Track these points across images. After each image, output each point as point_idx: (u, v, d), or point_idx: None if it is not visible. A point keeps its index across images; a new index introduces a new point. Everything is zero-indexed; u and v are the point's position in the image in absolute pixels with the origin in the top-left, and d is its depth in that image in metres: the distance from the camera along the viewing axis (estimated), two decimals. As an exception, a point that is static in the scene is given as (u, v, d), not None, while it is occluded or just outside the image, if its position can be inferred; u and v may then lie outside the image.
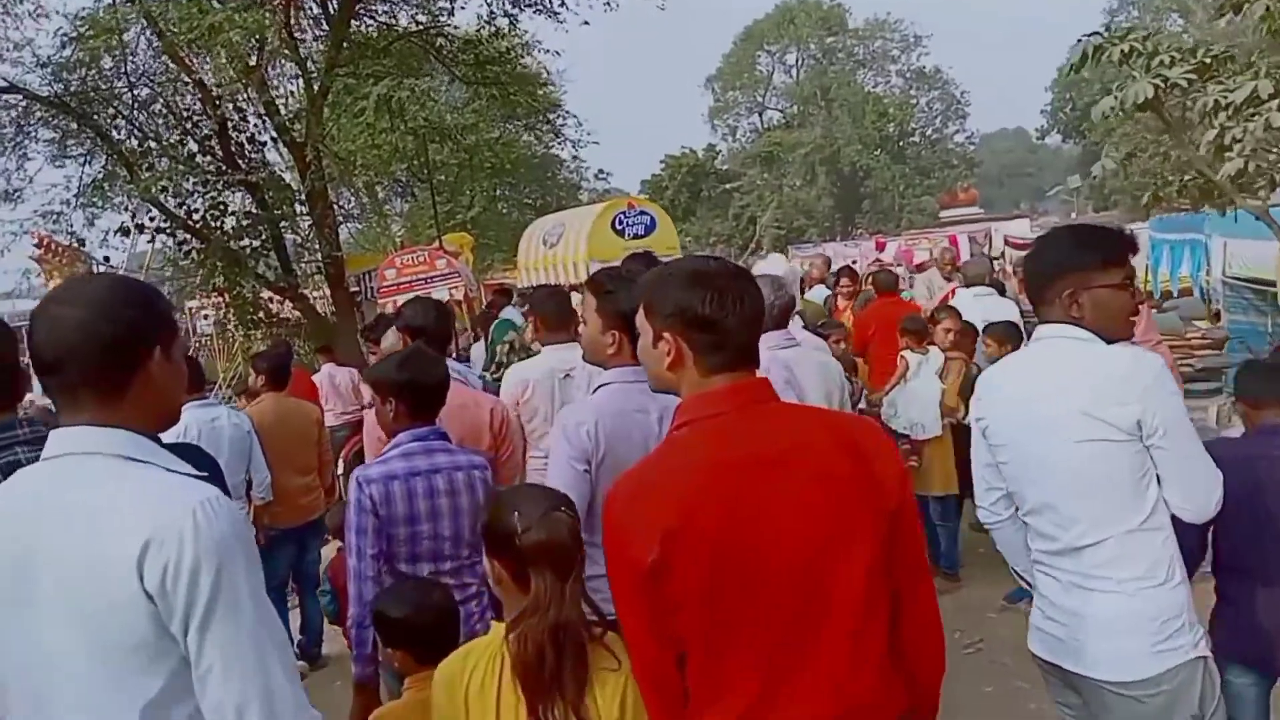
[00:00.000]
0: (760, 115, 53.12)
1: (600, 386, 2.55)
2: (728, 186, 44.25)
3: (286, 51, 9.31)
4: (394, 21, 11.92)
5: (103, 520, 1.26)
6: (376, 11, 11.70)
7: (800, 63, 51.85)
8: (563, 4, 11.75)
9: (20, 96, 10.27)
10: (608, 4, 12.22)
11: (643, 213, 11.43)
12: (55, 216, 10.84)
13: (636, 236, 10.94)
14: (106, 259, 13.69)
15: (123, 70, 10.25)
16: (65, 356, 1.32)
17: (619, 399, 2.47)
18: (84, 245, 11.73)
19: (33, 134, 10.53)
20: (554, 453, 2.50)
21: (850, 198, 46.56)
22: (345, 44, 10.02)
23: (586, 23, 12.05)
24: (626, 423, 2.44)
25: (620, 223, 11.15)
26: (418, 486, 2.66)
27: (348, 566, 2.66)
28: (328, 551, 4.92)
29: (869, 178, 45.79)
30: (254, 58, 9.85)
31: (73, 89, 10.39)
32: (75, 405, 1.34)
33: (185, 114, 11.10)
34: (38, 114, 10.50)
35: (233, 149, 10.93)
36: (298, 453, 5.28)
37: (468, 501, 2.71)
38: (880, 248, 20.83)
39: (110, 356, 1.34)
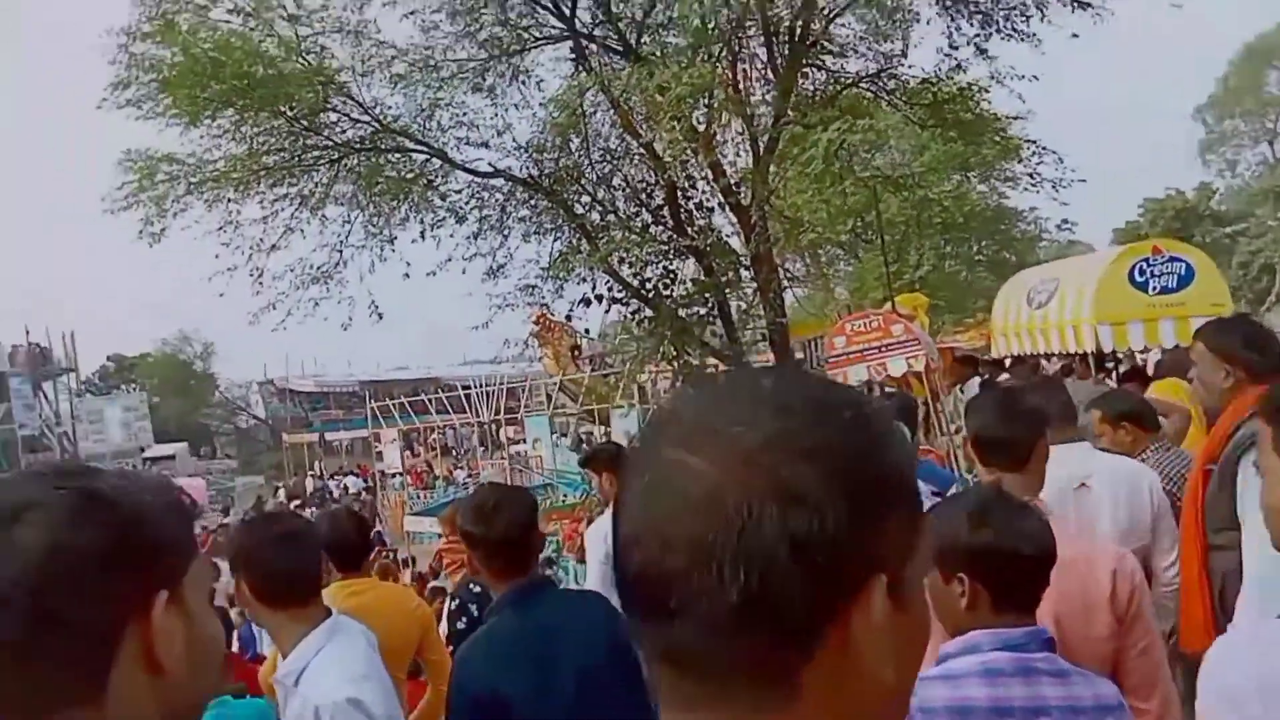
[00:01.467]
0: (1271, 144, 44.08)
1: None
2: (1229, 230, 36.96)
3: (731, 106, 8.95)
4: (843, 70, 11.19)
5: None
6: (824, 62, 11.06)
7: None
8: (1043, 19, 9.98)
9: (504, 180, 11.30)
10: (1098, 14, 10.20)
11: (1174, 259, 8.60)
12: (530, 290, 11.67)
13: (1166, 291, 8.25)
14: (587, 331, 14.79)
15: (585, 146, 10.79)
16: None
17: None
18: (569, 318, 12.56)
19: (512, 213, 11.51)
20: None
21: None
22: (793, 94, 9.46)
23: (1075, 35, 10.13)
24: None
25: (1142, 273, 8.39)
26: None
27: None
28: None
29: None
30: (701, 120, 9.72)
31: (545, 170, 11.18)
32: None
33: (640, 185, 11.42)
34: (518, 195, 11.47)
35: (682, 216, 10.95)
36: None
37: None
38: None
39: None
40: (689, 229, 10.67)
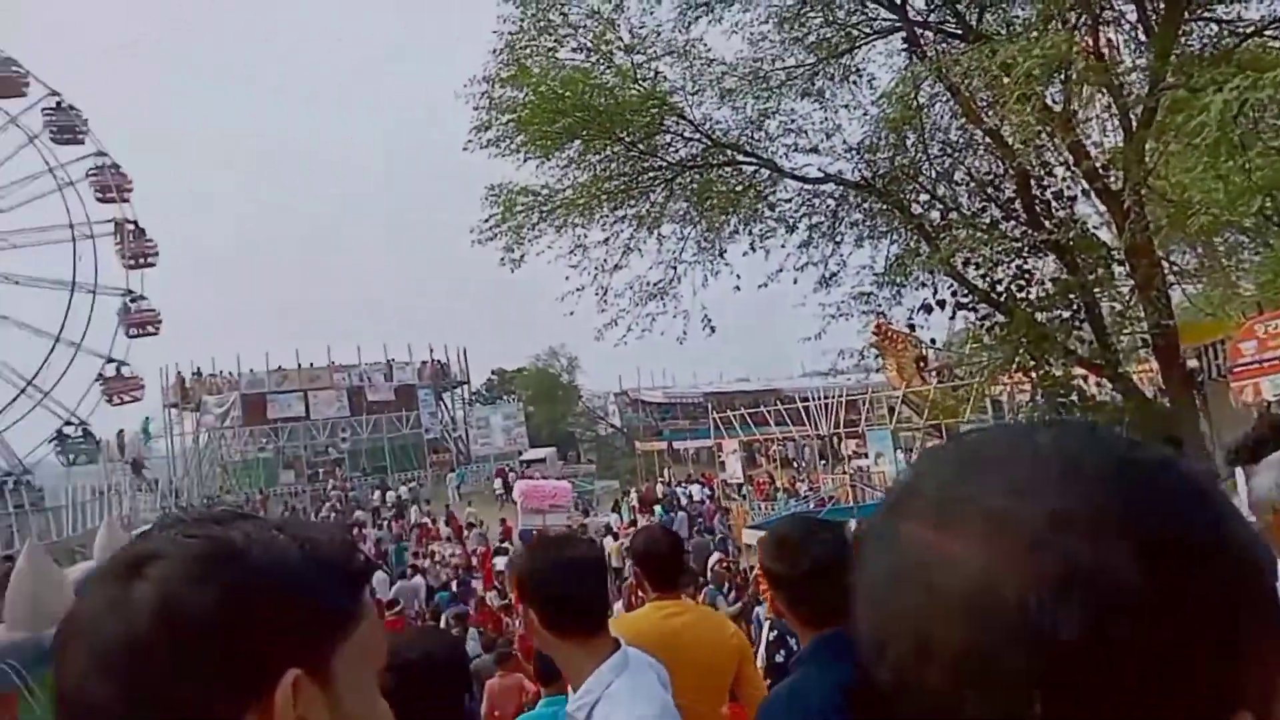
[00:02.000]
0: None
1: None
2: None
3: (1094, 76, 7.74)
4: (1239, 18, 9.27)
5: None
6: (1215, 11, 9.24)
7: None
8: None
9: (835, 185, 10.88)
10: None
11: None
12: (865, 298, 11.11)
13: None
14: (933, 341, 13.90)
15: (922, 141, 10.04)
16: None
17: None
18: (911, 327, 11.89)
19: (844, 218, 11.04)
20: None
21: None
22: (1171, 55, 7.96)
23: None
24: None
25: None
26: None
27: None
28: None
29: None
30: (1056, 98, 8.56)
31: (879, 170, 10.59)
32: None
33: (985, 178, 10.39)
34: (850, 199, 10.98)
35: (1037, 209, 9.78)
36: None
37: None
38: None
39: None
40: (1046, 222, 9.49)
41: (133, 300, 44.52)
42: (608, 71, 10.79)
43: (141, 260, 44.85)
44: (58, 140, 44.03)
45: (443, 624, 13.76)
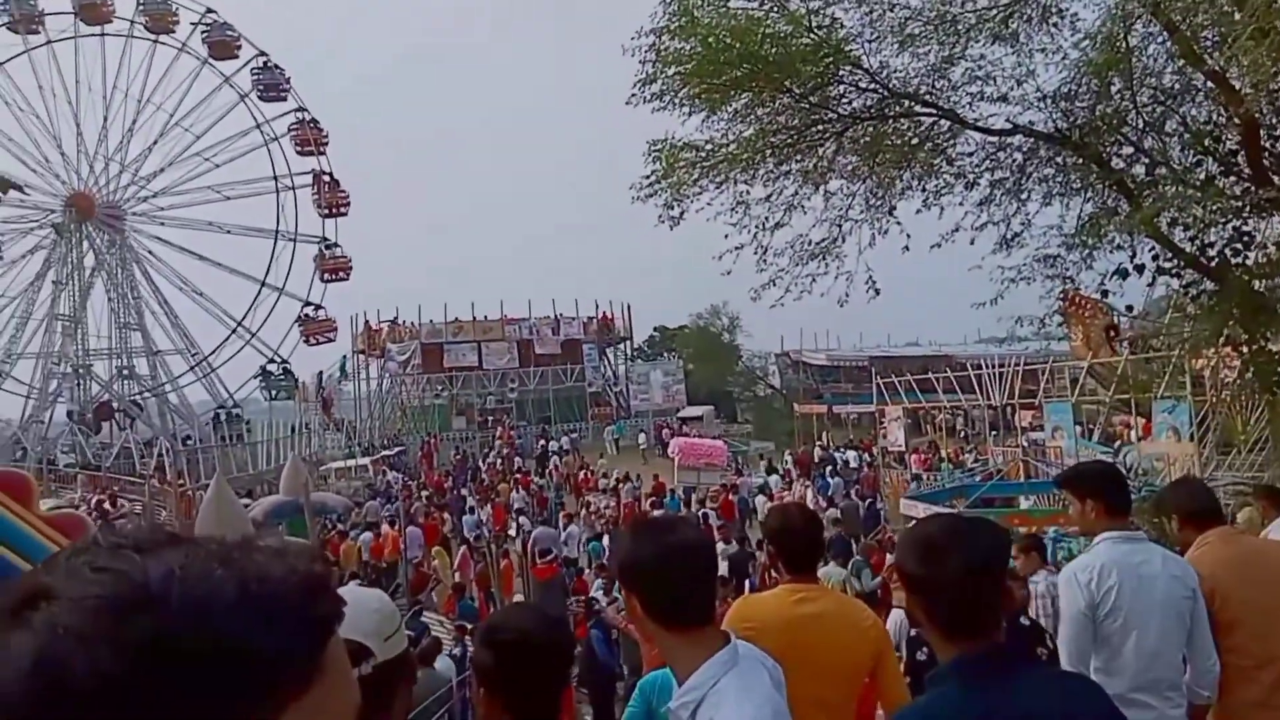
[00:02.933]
0: None
1: None
2: None
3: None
4: None
5: None
6: None
7: None
8: None
9: (1024, 137, 9.96)
10: None
11: None
12: (1051, 261, 10.20)
13: None
14: (1129, 308, 12.69)
15: (1130, 87, 9.01)
16: None
17: None
18: (1103, 294, 10.91)
19: (1032, 174, 10.11)
20: None
21: None
22: None
23: None
24: None
25: None
26: None
27: None
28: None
29: None
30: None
31: (1077, 120, 9.61)
32: None
33: (1204, 129, 9.24)
34: (1040, 152, 10.05)
35: (1265, 163, 8.60)
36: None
37: None
38: None
39: None
40: (1276, 177, 8.34)
41: (327, 247, 47.76)
42: (780, 19, 10.30)
43: (335, 210, 47.97)
44: (264, 98, 47.58)
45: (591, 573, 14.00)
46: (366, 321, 49.00)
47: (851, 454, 27.41)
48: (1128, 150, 9.67)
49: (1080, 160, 9.68)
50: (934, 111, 10.22)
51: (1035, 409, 22.67)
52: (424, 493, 26.03)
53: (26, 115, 44.83)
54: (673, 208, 10.86)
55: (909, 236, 10.56)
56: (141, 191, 46.13)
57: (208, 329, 48.01)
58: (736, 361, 51.07)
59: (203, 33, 46.62)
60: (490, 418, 46.26)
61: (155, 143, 46.35)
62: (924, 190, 10.40)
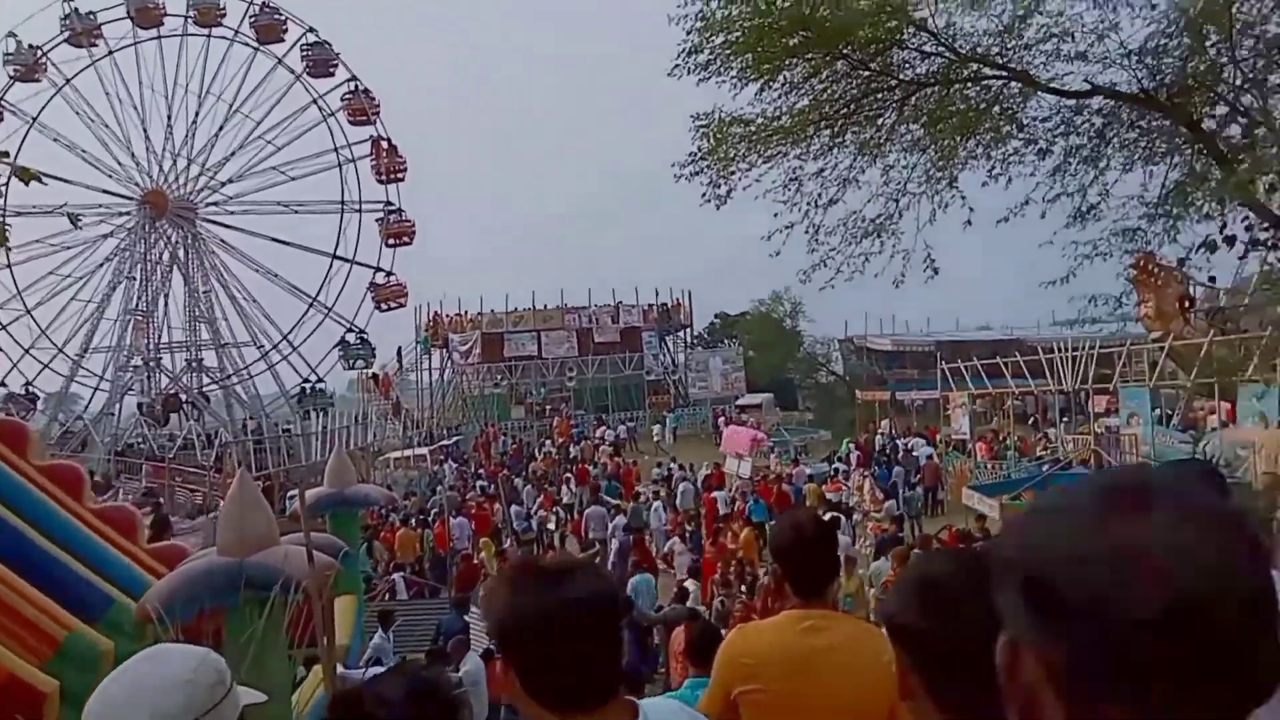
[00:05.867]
0: None
1: None
2: None
3: None
4: None
5: None
6: None
7: None
8: None
9: (1104, 99, 9.15)
10: None
11: None
12: (1132, 234, 9.38)
13: None
14: (1212, 279, 11.78)
15: (1229, 39, 8.16)
16: None
17: None
18: (1182, 264, 10.09)
19: (1113, 139, 9.29)
20: None
21: None
22: None
23: None
24: None
25: None
26: None
27: None
28: None
29: None
30: None
31: (1165, 79, 8.78)
32: None
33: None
34: (1122, 115, 9.22)
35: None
36: None
37: None
38: None
39: None
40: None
41: (390, 212, 48.04)
42: (836, -22, 9.65)
43: (393, 175, 48.24)
44: (314, 74, 48.13)
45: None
46: (434, 312, 49.37)
47: (918, 441, 26.45)
48: (1222, 110, 8.80)
49: (1168, 122, 8.85)
50: (1005, 74, 9.47)
51: (1111, 394, 21.50)
52: (479, 483, 25.97)
53: (97, 125, 46.27)
54: (719, 185, 10.33)
55: (971, 210, 9.85)
56: (211, 182, 47.17)
57: (284, 310, 48.96)
58: (798, 348, 50.09)
59: (250, 19, 47.44)
60: (548, 407, 46.23)
61: (219, 132, 47.30)
62: (990, 159, 9.66)
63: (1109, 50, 8.91)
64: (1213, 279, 10.83)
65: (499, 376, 48.01)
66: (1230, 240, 9.01)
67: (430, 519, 19.51)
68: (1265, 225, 8.65)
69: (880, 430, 31.46)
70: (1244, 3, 8.24)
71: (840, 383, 48.71)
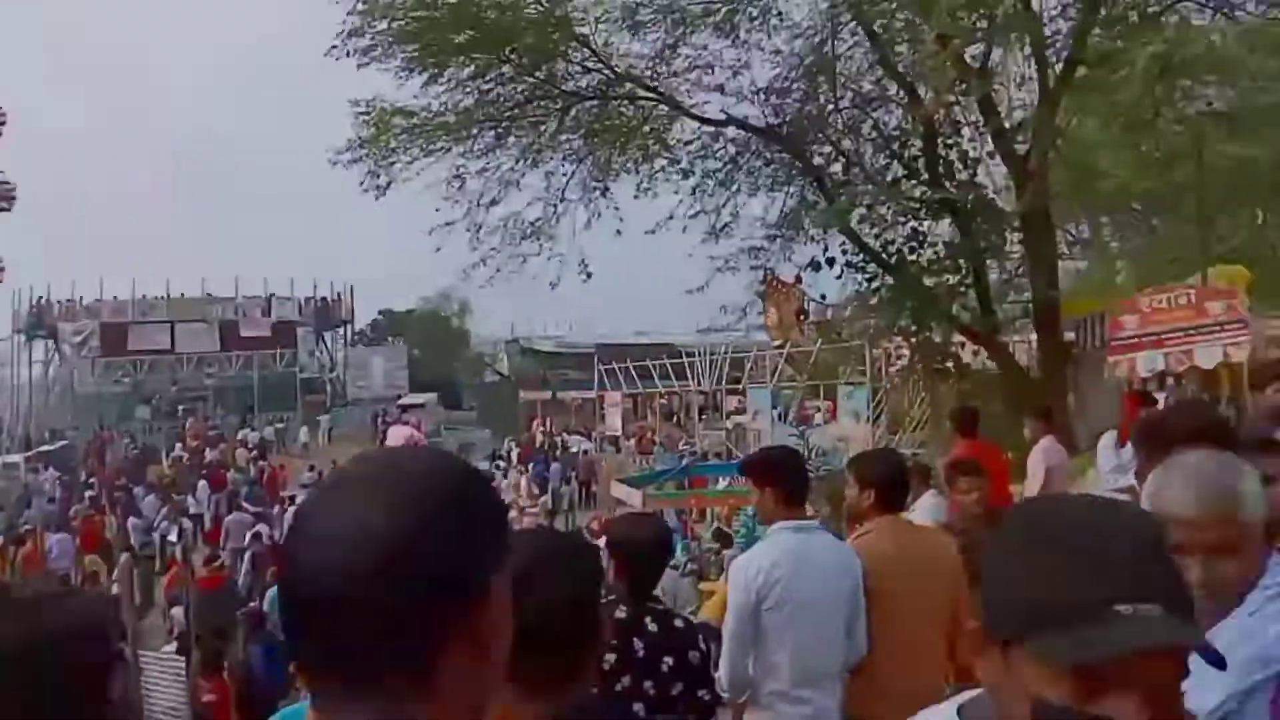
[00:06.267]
0: None
1: None
2: None
3: (1018, 22, 7.32)
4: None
5: None
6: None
7: None
8: None
9: (736, 128, 10.26)
10: None
11: None
12: (755, 252, 10.62)
13: None
14: (823, 297, 13.55)
15: (833, 88, 9.51)
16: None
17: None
18: (798, 280, 11.49)
19: (743, 165, 10.45)
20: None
21: None
22: (1100, 8, 7.60)
23: None
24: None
25: None
26: None
27: None
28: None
29: None
30: (977, 55, 8.15)
31: (786, 117, 10.02)
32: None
33: (893, 134, 9.99)
34: (751, 145, 10.40)
35: (939, 168, 9.43)
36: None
37: None
38: None
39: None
40: (947, 182, 9.15)
41: None
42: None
43: None
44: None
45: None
46: (37, 298, 42.06)
47: (577, 438, 27.57)
48: (828, 149, 10.25)
49: (786, 155, 10.12)
50: (656, 96, 10.22)
51: (741, 394, 24.02)
52: (88, 493, 22.74)
53: None
54: (378, 175, 10.03)
55: (622, 220, 10.54)
56: None
57: None
58: (465, 348, 49.90)
59: None
60: (181, 407, 41.51)
61: None
62: (640, 174, 10.41)
63: (743, 86, 10.03)
64: (823, 296, 12.49)
65: (120, 373, 42.25)
66: (830, 261, 10.53)
67: (22, 536, 16.71)
68: (857, 250, 10.19)
69: (541, 428, 32.38)
70: (847, 60, 9.66)
71: (506, 382, 49.34)
